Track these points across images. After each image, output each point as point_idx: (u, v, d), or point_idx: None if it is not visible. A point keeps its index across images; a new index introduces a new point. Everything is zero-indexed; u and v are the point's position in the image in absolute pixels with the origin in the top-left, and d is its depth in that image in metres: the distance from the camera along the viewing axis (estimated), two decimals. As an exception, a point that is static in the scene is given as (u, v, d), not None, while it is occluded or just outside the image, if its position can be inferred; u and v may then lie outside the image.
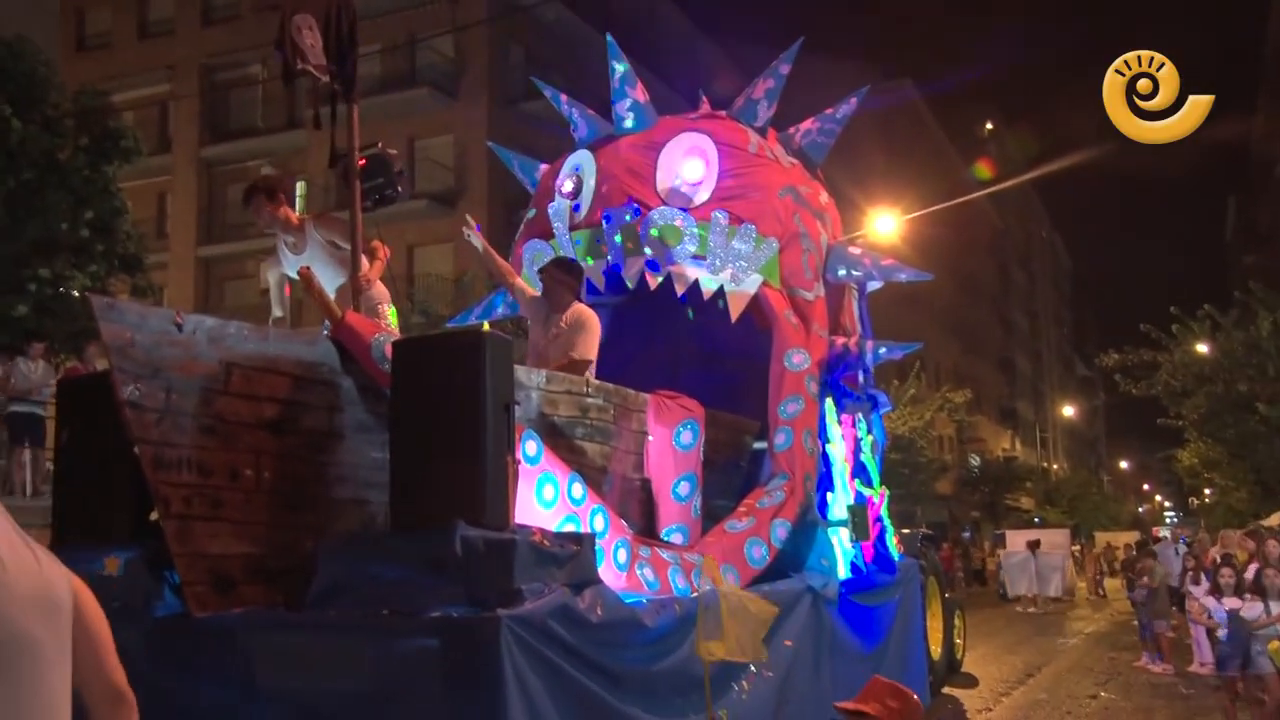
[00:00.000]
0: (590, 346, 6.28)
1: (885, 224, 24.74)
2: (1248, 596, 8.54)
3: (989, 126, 68.25)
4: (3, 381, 12.49)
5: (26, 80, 15.42)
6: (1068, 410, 73.92)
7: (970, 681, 12.09)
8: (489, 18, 27.07)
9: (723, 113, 8.43)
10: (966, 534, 44.31)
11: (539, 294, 6.67)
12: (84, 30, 33.62)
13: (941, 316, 48.67)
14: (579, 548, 4.43)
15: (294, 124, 28.62)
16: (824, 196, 8.53)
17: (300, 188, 27.41)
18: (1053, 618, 22.38)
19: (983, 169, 53.33)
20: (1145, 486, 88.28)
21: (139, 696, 2.06)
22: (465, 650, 3.82)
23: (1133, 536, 36.08)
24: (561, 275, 6.52)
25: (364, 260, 5.68)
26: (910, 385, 31.39)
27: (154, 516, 4.17)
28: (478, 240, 7.11)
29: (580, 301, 6.55)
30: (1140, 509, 79.01)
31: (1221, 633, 8.80)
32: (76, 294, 14.79)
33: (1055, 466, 69.46)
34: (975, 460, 50.28)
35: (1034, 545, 26.06)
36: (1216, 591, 9.23)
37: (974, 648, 14.18)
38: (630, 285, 7.62)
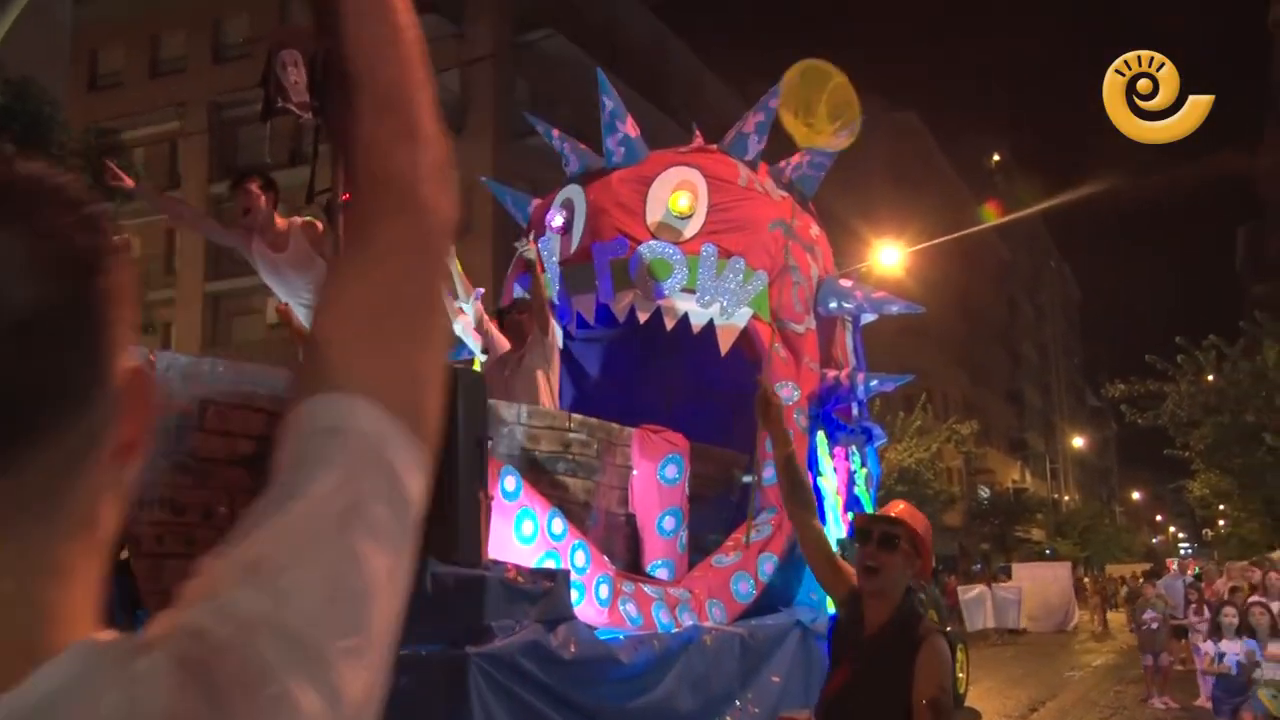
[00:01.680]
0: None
1: (890, 256, 24.79)
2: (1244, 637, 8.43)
3: (996, 158, 68.42)
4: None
5: (31, 119, 15.56)
6: (1078, 441, 73.53)
7: (973, 717, 11.96)
8: (494, 53, 27.29)
9: (713, 147, 8.46)
10: (977, 567, 43.98)
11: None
12: (97, 69, 33.96)
13: (949, 349, 48.58)
14: (553, 584, 4.42)
15: (297, 161, 28.82)
16: (815, 229, 8.53)
17: (306, 223, 27.55)
18: (1059, 650, 22.18)
19: (990, 205, 53.28)
20: (1159, 518, 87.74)
21: None
22: (434, 688, 3.80)
23: (1144, 568, 35.78)
24: (523, 314, 6.77)
25: None
26: (916, 417, 31.31)
27: (124, 555, 4.16)
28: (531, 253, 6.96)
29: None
30: (1154, 540, 78.39)
31: (1224, 669, 8.68)
32: None
33: (1067, 498, 69.04)
34: (984, 492, 49.98)
35: (989, 581, 28.31)
36: (1217, 633, 9.11)
37: (979, 681, 14.05)
38: (620, 319, 7.64)
